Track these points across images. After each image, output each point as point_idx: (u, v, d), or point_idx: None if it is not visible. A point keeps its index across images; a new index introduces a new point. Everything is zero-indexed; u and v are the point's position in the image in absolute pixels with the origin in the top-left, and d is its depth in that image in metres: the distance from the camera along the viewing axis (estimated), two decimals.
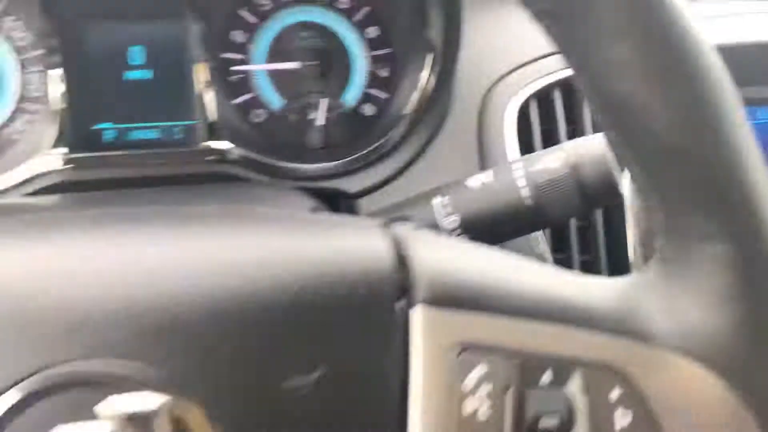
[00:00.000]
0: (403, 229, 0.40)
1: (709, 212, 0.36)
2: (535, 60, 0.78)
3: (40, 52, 0.71)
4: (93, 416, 0.31)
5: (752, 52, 0.80)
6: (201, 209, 0.42)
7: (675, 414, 0.37)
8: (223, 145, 0.72)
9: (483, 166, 0.74)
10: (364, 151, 0.74)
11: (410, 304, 0.36)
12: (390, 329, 0.36)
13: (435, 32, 0.74)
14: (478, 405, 0.36)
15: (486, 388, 0.36)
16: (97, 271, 0.35)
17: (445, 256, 0.39)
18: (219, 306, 0.34)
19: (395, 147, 0.75)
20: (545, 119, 0.76)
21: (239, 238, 0.37)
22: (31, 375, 0.32)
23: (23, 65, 0.71)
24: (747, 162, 0.36)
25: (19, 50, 0.71)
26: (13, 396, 0.32)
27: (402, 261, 0.37)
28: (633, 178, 0.39)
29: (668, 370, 0.37)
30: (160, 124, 0.73)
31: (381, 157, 0.74)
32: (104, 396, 0.31)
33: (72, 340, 0.32)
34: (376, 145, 0.74)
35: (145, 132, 0.73)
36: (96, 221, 0.40)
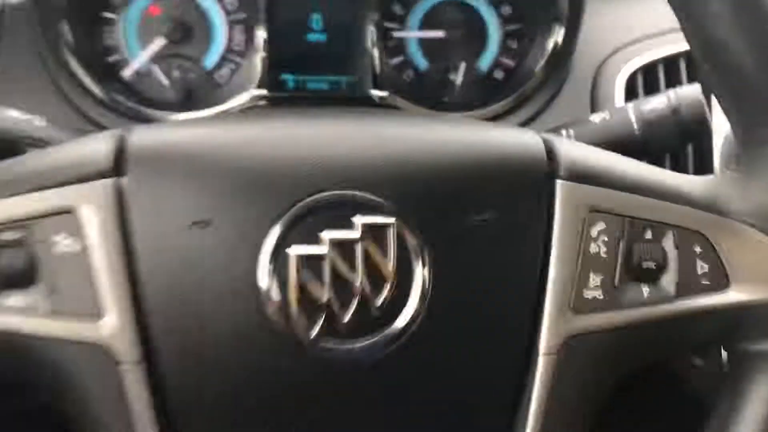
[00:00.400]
0: (547, 134, 0.56)
1: None
2: (646, 38, 0.92)
3: (243, 15, 0.90)
4: (347, 226, 0.49)
5: None
6: (404, 112, 0.58)
7: (738, 266, 0.52)
8: (380, 94, 0.89)
9: None
10: (495, 106, 0.90)
11: (555, 180, 0.52)
12: (541, 194, 0.51)
13: (561, 9, 0.89)
14: (599, 248, 0.51)
15: (605, 238, 0.51)
16: (337, 137, 0.51)
17: (579, 150, 0.54)
18: (426, 163, 0.50)
19: (521, 104, 0.90)
20: (649, 90, 0.90)
21: (442, 124, 0.54)
22: (308, 196, 0.49)
23: (230, 24, 0.91)
24: None
25: (227, 12, 0.90)
26: (295, 210, 0.49)
27: (550, 150, 0.53)
28: (720, 103, 0.53)
29: (737, 236, 0.52)
30: (330, 77, 0.91)
31: (509, 111, 0.90)
32: (354, 214, 0.49)
33: (335, 176, 0.49)
34: (506, 101, 0.90)
35: (317, 83, 0.91)
36: (329, 112, 0.57)
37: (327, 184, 0.49)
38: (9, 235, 0.47)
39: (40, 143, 0.64)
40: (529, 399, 0.51)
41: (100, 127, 0.84)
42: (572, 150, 0.54)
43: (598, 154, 0.55)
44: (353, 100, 0.89)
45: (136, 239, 0.48)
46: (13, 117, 0.64)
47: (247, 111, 0.56)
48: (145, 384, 0.48)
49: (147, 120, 0.85)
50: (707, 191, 0.53)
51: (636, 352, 0.53)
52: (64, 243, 0.47)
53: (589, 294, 0.51)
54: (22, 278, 0.47)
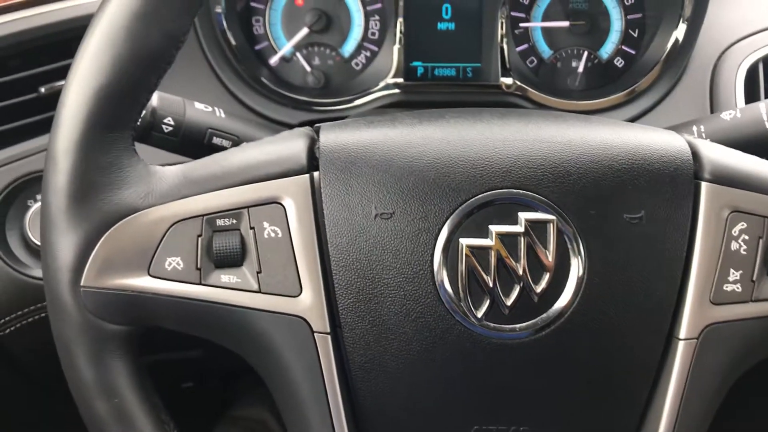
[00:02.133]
0: (690, 137, 0.61)
1: None
2: (765, 29, 0.94)
3: (378, 5, 0.96)
4: (512, 221, 0.55)
5: None
6: (558, 113, 0.64)
7: None
8: (507, 80, 0.94)
9: (713, 112, 0.92)
10: (617, 95, 0.94)
11: (700, 182, 0.57)
12: (687, 195, 0.56)
13: (684, 4, 0.92)
14: (739, 246, 0.56)
15: (745, 236, 0.56)
16: (504, 140, 0.57)
17: (721, 153, 0.59)
18: (583, 165, 0.56)
19: (642, 93, 0.94)
20: None
21: (594, 127, 0.59)
22: (479, 194, 0.55)
23: (366, 14, 0.97)
24: None
25: (364, 3, 0.97)
26: (466, 206, 0.56)
27: (695, 153, 0.58)
28: None
29: None
30: (456, 64, 0.97)
31: (630, 100, 0.94)
32: (518, 210, 0.55)
33: (502, 176, 0.56)
34: (628, 90, 0.94)
35: (444, 70, 0.97)
36: (481, 112, 0.63)
37: (494, 183, 0.55)
38: (224, 222, 0.56)
39: (222, 133, 0.72)
40: (668, 380, 0.57)
41: (249, 109, 0.92)
42: (715, 153, 0.59)
43: (739, 157, 0.59)
44: (481, 87, 0.95)
45: (328, 227, 0.56)
46: (200, 109, 0.73)
47: (420, 113, 0.61)
48: (334, 351, 0.56)
49: (290, 103, 0.93)
50: None
51: None
52: (270, 229, 0.55)
53: (728, 287, 0.56)
54: (234, 259, 0.55)
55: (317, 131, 0.60)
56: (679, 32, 0.93)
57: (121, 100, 0.53)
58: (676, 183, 0.57)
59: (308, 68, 0.97)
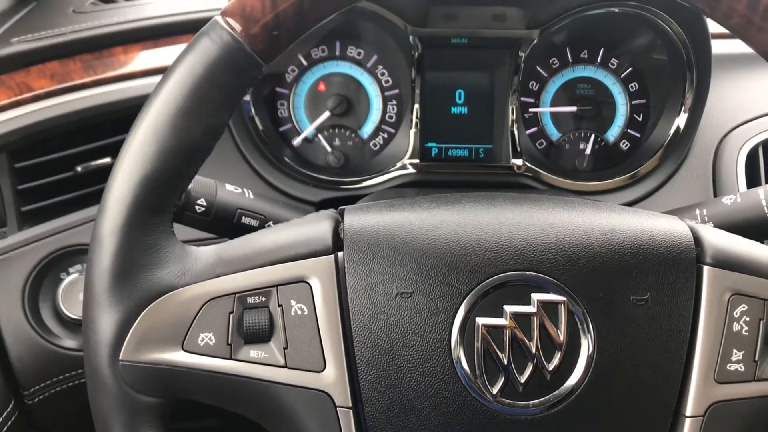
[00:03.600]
0: (692, 222, 0.64)
1: None
2: (765, 115, 0.99)
3: (396, 91, 1.02)
4: (525, 301, 0.58)
5: None
6: (567, 198, 0.68)
7: None
8: (517, 162, 0.99)
9: (715, 195, 0.96)
10: (623, 176, 0.99)
11: (702, 265, 0.60)
12: (690, 278, 0.60)
13: (687, 90, 0.97)
14: (741, 327, 0.59)
15: (746, 318, 0.59)
16: (517, 225, 0.61)
17: (722, 238, 0.62)
18: (591, 250, 0.60)
19: (647, 175, 0.99)
20: None
21: (601, 213, 0.63)
22: (494, 275, 0.59)
23: (384, 99, 1.03)
24: None
25: (383, 88, 1.03)
26: (482, 287, 0.59)
27: (697, 238, 0.61)
28: None
29: None
30: (469, 146, 1.02)
31: (636, 182, 0.98)
32: (531, 291, 0.59)
33: (515, 259, 0.59)
34: (633, 172, 0.99)
35: (457, 151, 1.02)
36: (494, 197, 0.67)
37: (508, 266, 0.59)
38: (254, 300, 0.59)
39: (250, 213, 0.77)
40: None
41: (273, 188, 0.97)
42: (716, 238, 0.62)
43: (739, 242, 0.63)
44: (493, 168, 1.00)
45: (351, 306, 0.59)
46: (231, 191, 0.77)
47: (438, 197, 0.66)
48: (356, 425, 0.59)
49: (312, 181, 0.98)
50: None
51: None
52: (297, 307, 0.59)
53: (731, 367, 0.59)
54: (262, 335, 0.59)
55: (341, 213, 0.64)
56: (681, 119, 0.98)
57: (163, 188, 0.58)
58: (679, 267, 0.60)
59: (329, 149, 1.02)
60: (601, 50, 1.02)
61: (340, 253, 0.60)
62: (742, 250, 0.62)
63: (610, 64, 1.02)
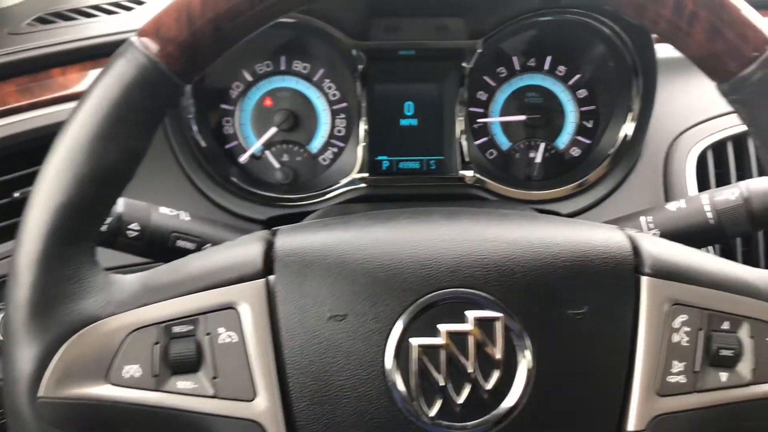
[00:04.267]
0: (631, 231, 0.63)
1: None
2: (713, 118, 0.99)
3: (344, 104, 1.01)
4: (461, 319, 0.57)
5: None
6: (504, 211, 0.67)
7: None
8: (468, 173, 0.98)
9: (667, 200, 0.96)
10: (574, 184, 0.98)
11: (640, 276, 0.59)
12: (628, 289, 0.59)
13: (634, 95, 0.97)
14: (681, 338, 0.58)
15: (686, 328, 0.58)
16: (451, 240, 0.60)
17: (662, 248, 0.61)
18: (527, 264, 0.58)
19: (598, 182, 0.98)
20: (719, 165, 0.97)
21: (538, 226, 0.62)
22: (428, 294, 0.58)
23: (333, 113, 1.01)
24: None
25: (331, 102, 1.01)
26: (416, 306, 0.57)
27: (635, 248, 0.60)
28: None
29: None
30: (420, 158, 1.01)
31: (587, 189, 0.98)
32: (466, 309, 0.57)
33: (449, 276, 0.58)
34: (584, 179, 0.98)
35: (408, 163, 1.01)
36: (431, 212, 0.66)
37: (442, 283, 0.58)
38: (181, 328, 0.57)
39: (186, 236, 0.75)
40: None
41: (220, 208, 0.95)
42: (655, 247, 0.61)
43: (679, 250, 0.62)
44: (444, 179, 0.98)
45: (283, 331, 0.57)
46: (165, 214, 0.75)
47: (374, 214, 0.64)
48: None
49: (259, 199, 0.96)
50: None
51: (717, 431, 0.60)
52: (225, 335, 0.57)
53: (672, 379, 0.58)
54: (190, 365, 0.57)
55: (275, 234, 0.62)
56: (629, 125, 0.97)
57: (81, 216, 0.56)
58: (618, 278, 0.59)
59: (277, 165, 1.00)
60: (548, 58, 1.01)
61: (271, 277, 0.59)
62: (681, 259, 0.61)
63: (557, 72, 1.02)
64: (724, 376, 0.58)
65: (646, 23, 0.58)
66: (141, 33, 0.56)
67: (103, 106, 0.55)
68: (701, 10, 0.55)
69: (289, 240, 0.61)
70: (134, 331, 0.57)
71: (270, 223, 0.95)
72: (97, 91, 0.56)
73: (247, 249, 0.60)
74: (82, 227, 0.56)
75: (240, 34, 0.56)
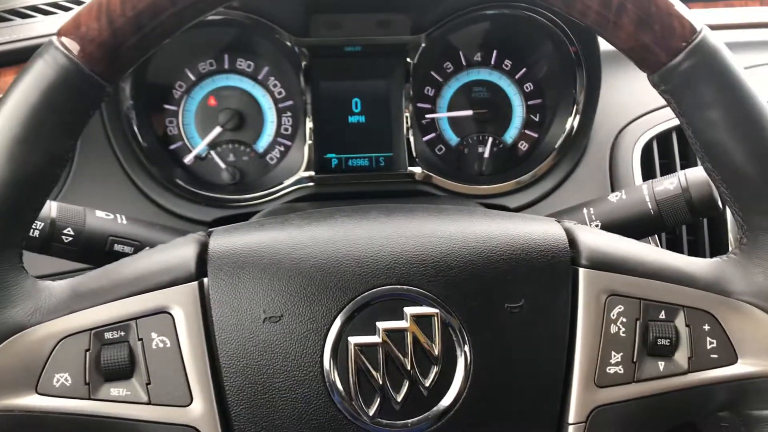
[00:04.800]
0: (569, 223, 0.63)
1: None
2: (658, 109, 0.99)
3: (290, 102, 1.00)
4: (398, 316, 0.56)
5: None
6: (443, 207, 0.66)
7: (744, 341, 0.58)
8: (416, 169, 0.98)
9: (613, 191, 0.96)
10: (522, 177, 0.98)
11: (577, 268, 0.59)
12: (565, 281, 0.59)
13: (579, 88, 0.97)
14: (618, 329, 0.58)
15: (623, 319, 0.58)
16: (388, 237, 0.59)
17: (598, 239, 0.62)
18: (463, 259, 0.58)
19: (546, 174, 0.98)
20: (664, 155, 0.98)
21: (475, 221, 0.62)
22: (364, 292, 0.57)
23: (278, 111, 1.00)
24: None
25: (276, 100, 1.00)
26: (353, 305, 0.57)
27: (572, 241, 0.60)
28: (721, 194, 0.61)
29: (741, 314, 0.59)
30: (369, 155, 1.00)
31: (535, 182, 0.98)
32: (403, 306, 0.57)
33: (385, 273, 0.57)
34: (531, 172, 0.98)
35: (358, 160, 1.00)
36: (369, 210, 0.65)
37: (379, 281, 0.57)
38: (112, 334, 0.56)
39: (123, 240, 0.73)
40: None
41: (164, 210, 0.94)
42: (591, 239, 0.61)
43: (615, 241, 0.62)
44: (393, 176, 0.98)
45: (217, 334, 0.56)
46: (101, 217, 0.74)
47: (312, 213, 0.63)
48: None
49: (204, 201, 0.95)
50: (713, 273, 0.60)
51: (656, 420, 0.60)
52: (158, 340, 0.56)
53: (611, 369, 0.58)
54: (123, 372, 0.56)
55: (210, 235, 0.61)
56: (574, 118, 0.98)
57: (4, 222, 0.54)
58: (554, 270, 0.59)
59: (222, 165, 0.99)
60: (495, 53, 1.01)
61: (205, 279, 0.58)
62: (617, 249, 0.61)
63: (504, 66, 1.02)
64: (661, 365, 0.59)
65: (575, 15, 0.58)
66: (60, 33, 0.54)
67: (23, 108, 0.53)
68: (628, 2, 0.55)
69: (223, 241, 0.59)
70: (64, 338, 0.55)
71: (215, 225, 0.93)
72: (17, 93, 0.54)
73: (180, 251, 0.59)
74: (5, 233, 0.55)
75: (163, 33, 0.55)
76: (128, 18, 0.53)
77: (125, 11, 0.53)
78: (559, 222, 0.63)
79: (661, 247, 0.92)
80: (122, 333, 0.56)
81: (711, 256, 0.93)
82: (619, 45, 0.59)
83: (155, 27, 0.54)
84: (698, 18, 0.57)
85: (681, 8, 0.56)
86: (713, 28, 0.59)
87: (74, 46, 0.54)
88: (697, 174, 0.76)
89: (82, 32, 0.53)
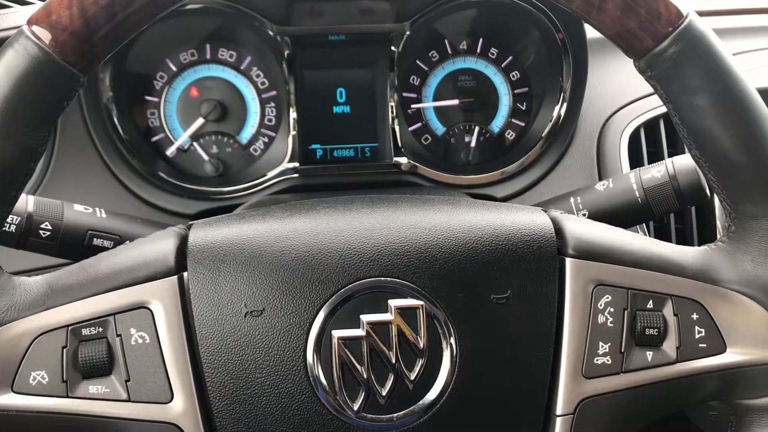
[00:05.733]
0: (556, 212, 0.62)
1: (758, 202, 0.57)
2: (645, 96, 0.99)
3: (273, 92, 0.98)
4: (383, 309, 0.55)
5: None
6: (428, 197, 0.65)
7: (732, 330, 0.58)
8: (402, 160, 0.96)
9: (601, 179, 0.95)
10: (509, 167, 0.97)
11: (564, 257, 0.58)
12: (552, 271, 0.58)
13: (565, 76, 0.96)
14: (606, 319, 0.58)
15: (611, 309, 0.58)
16: (371, 229, 0.58)
17: (585, 228, 0.61)
18: (448, 250, 0.57)
19: (533, 164, 0.97)
20: (651, 143, 0.97)
21: (460, 211, 0.60)
22: (348, 284, 0.56)
23: (262, 102, 0.99)
24: None
25: (259, 91, 0.98)
26: (336, 298, 0.56)
27: (558, 230, 0.59)
28: (709, 182, 0.60)
29: (730, 303, 0.58)
30: (354, 145, 0.99)
31: (522, 171, 0.97)
32: (388, 298, 0.56)
33: (369, 265, 0.56)
34: (518, 162, 0.97)
35: (343, 151, 0.99)
36: (352, 201, 0.64)
37: (362, 273, 0.56)
38: (90, 331, 0.55)
39: (102, 234, 0.72)
40: None
41: (146, 203, 0.92)
42: (578, 228, 0.60)
43: (601, 230, 0.61)
44: (379, 167, 0.97)
45: (198, 329, 0.55)
46: (80, 211, 0.72)
47: (294, 205, 0.62)
48: None
49: (187, 193, 0.93)
50: (701, 262, 0.60)
51: (644, 410, 0.59)
52: (137, 336, 0.55)
53: (599, 360, 0.57)
54: (101, 369, 0.54)
55: (190, 228, 0.60)
56: (561, 106, 0.97)
57: None
58: (541, 260, 0.58)
59: (206, 157, 0.97)
60: (480, 40, 1.00)
61: (185, 273, 0.56)
62: (603, 239, 0.60)
63: (490, 54, 1.01)
64: (649, 355, 0.58)
65: (561, 1, 0.57)
66: (31, 21, 0.53)
67: None
68: None
69: (203, 234, 0.58)
70: (40, 335, 0.54)
71: (198, 218, 0.92)
72: None
73: (160, 245, 0.58)
74: None
75: (138, 21, 0.53)
76: (101, 6, 0.52)
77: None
78: (545, 211, 0.62)
79: (649, 235, 0.91)
80: (100, 329, 0.55)
81: (699, 244, 0.93)
82: (605, 31, 0.57)
83: (129, 15, 0.53)
84: (685, 2, 0.56)
85: None
86: (703, 14, 0.58)
87: (46, 35, 0.52)
88: (684, 162, 0.75)
89: (53, 20, 0.52)
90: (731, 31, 1.07)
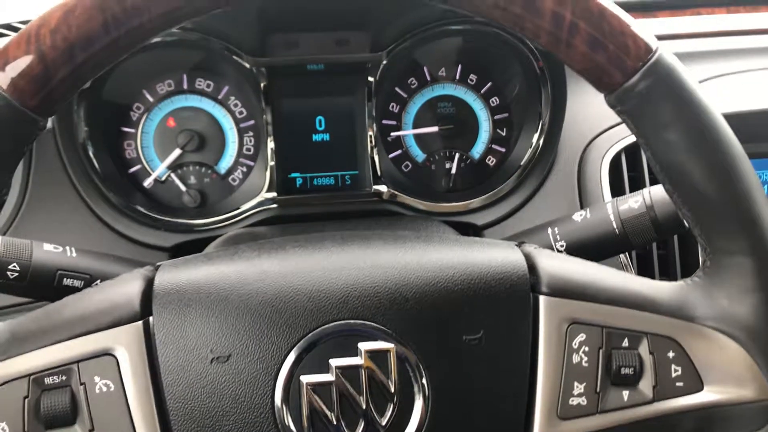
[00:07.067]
0: (530, 248, 0.62)
1: (732, 237, 0.56)
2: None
3: (251, 122, 0.97)
4: (352, 352, 0.54)
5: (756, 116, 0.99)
6: (400, 233, 0.64)
7: (709, 368, 0.57)
8: (382, 188, 0.96)
9: (582, 205, 0.95)
10: (489, 194, 0.96)
11: (538, 295, 0.57)
12: (525, 310, 0.57)
13: (544, 103, 0.96)
14: (581, 358, 0.57)
15: (585, 348, 0.57)
16: (341, 270, 0.57)
17: (559, 265, 0.60)
18: (419, 290, 0.56)
19: (513, 191, 0.97)
20: (632, 167, 0.96)
21: (432, 249, 0.60)
22: (316, 328, 0.55)
23: (240, 131, 0.98)
24: (757, 206, 0.56)
25: (237, 120, 0.98)
26: (304, 342, 0.55)
27: (532, 267, 0.59)
28: (683, 216, 0.59)
29: (706, 340, 0.57)
30: (334, 173, 0.98)
31: (502, 198, 0.96)
32: (358, 341, 0.54)
33: (338, 308, 0.55)
34: (498, 189, 0.96)
35: (323, 179, 0.98)
36: (323, 239, 0.63)
37: (331, 316, 0.55)
38: (53, 379, 0.53)
39: (72, 274, 0.71)
40: None
41: (123, 237, 0.91)
42: (552, 264, 0.59)
43: (577, 266, 0.60)
44: (358, 195, 0.96)
45: (164, 376, 0.54)
46: (49, 251, 0.71)
47: (263, 244, 0.61)
48: None
49: (164, 226, 0.92)
50: (676, 298, 0.59)
51: None
52: (101, 384, 0.53)
53: (573, 401, 0.56)
54: (64, 419, 0.53)
55: (156, 270, 0.59)
56: (541, 133, 0.96)
57: None
58: (514, 299, 0.57)
59: (183, 188, 0.96)
60: (459, 67, 1.00)
61: (150, 318, 0.55)
62: (577, 275, 0.59)
63: (469, 80, 1.00)
64: (625, 395, 0.57)
65: (528, 36, 0.56)
66: None
67: None
68: (580, 21, 0.54)
69: (169, 277, 0.57)
70: (1, 385, 0.53)
71: (175, 251, 0.91)
72: None
73: (124, 289, 0.56)
74: None
75: (99, 63, 0.53)
76: (60, 50, 0.51)
77: (56, 43, 0.51)
78: (519, 246, 0.61)
79: (632, 263, 0.90)
80: (64, 377, 0.53)
81: (682, 272, 0.92)
82: (574, 66, 0.57)
83: (89, 58, 0.52)
84: (653, 36, 0.55)
85: (635, 27, 0.55)
86: (671, 37, 0.57)
87: (3, 80, 0.51)
88: (661, 192, 0.74)
89: (10, 66, 0.51)
90: (701, 55, 1.07)
